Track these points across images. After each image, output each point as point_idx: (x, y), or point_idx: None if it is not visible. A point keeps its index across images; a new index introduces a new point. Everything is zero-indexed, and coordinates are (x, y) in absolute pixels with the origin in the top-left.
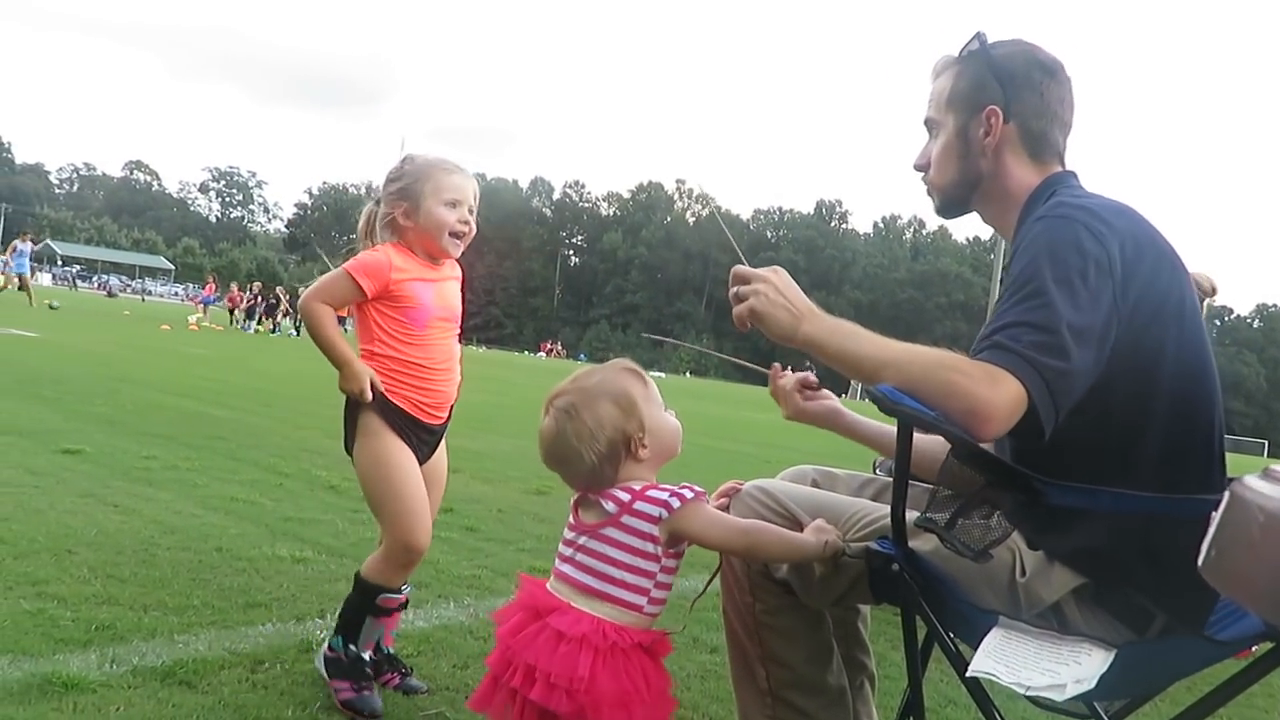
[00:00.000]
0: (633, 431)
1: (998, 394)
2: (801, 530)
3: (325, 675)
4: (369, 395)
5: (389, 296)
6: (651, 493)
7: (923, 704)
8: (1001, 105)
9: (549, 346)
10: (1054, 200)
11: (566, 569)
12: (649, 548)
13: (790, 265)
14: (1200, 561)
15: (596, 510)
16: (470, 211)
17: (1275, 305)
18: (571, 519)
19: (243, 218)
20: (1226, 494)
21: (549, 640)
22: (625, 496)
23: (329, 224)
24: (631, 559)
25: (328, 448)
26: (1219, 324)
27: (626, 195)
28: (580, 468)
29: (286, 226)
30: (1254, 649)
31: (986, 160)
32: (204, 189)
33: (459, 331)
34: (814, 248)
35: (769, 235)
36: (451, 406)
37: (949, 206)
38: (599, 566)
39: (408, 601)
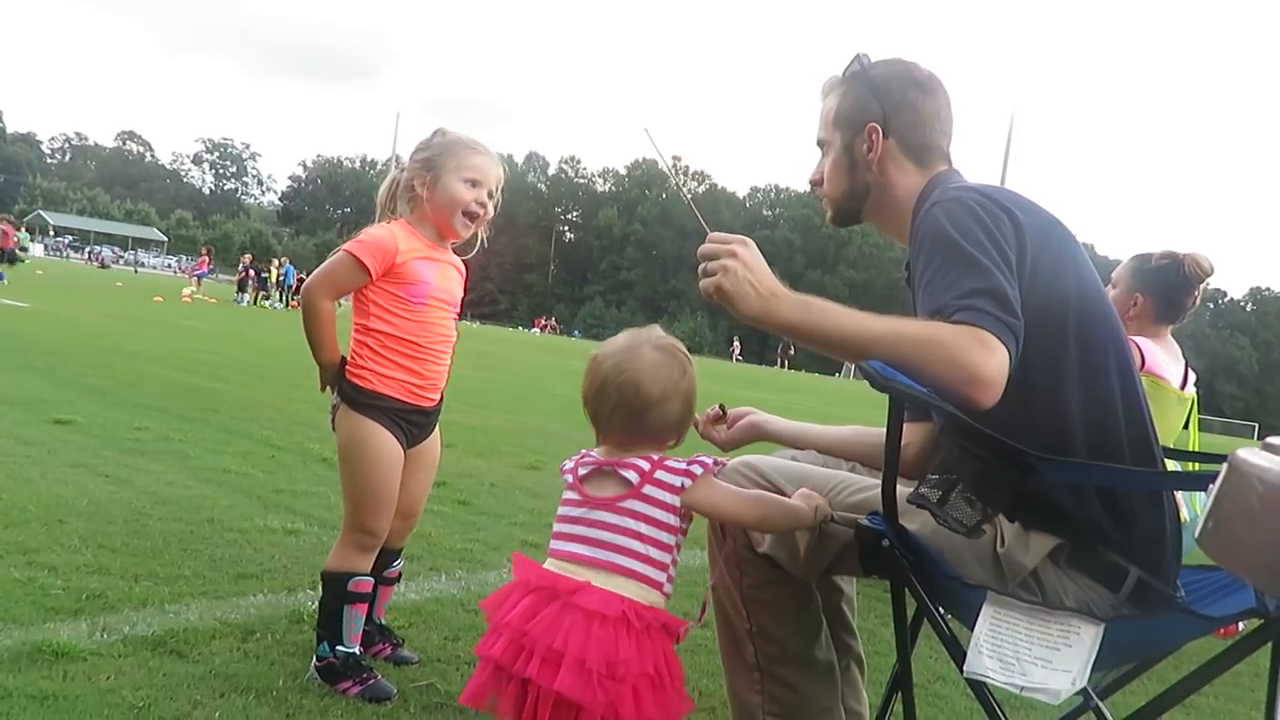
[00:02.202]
0: (693, 404)
1: (993, 360)
2: None
3: (329, 685)
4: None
5: (391, 274)
6: (670, 462)
7: (911, 679)
8: (881, 122)
9: (543, 323)
10: (940, 190)
11: (577, 548)
12: (671, 519)
13: (786, 243)
14: (1197, 533)
15: (615, 482)
16: (490, 195)
17: (1269, 289)
18: (575, 495)
19: (236, 190)
20: (1224, 465)
21: (579, 622)
22: (646, 466)
23: (323, 197)
24: (655, 532)
25: (320, 420)
26: (1211, 307)
27: (622, 172)
28: (657, 414)
29: (280, 199)
30: (1240, 626)
31: (871, 174)
32: (197, 160)
33: (456, 314)
34: (810, 226)
35: (765, 213)
36: (443, 391)
37: (842, 217)
38: (621, 541)
39: (400, 575)
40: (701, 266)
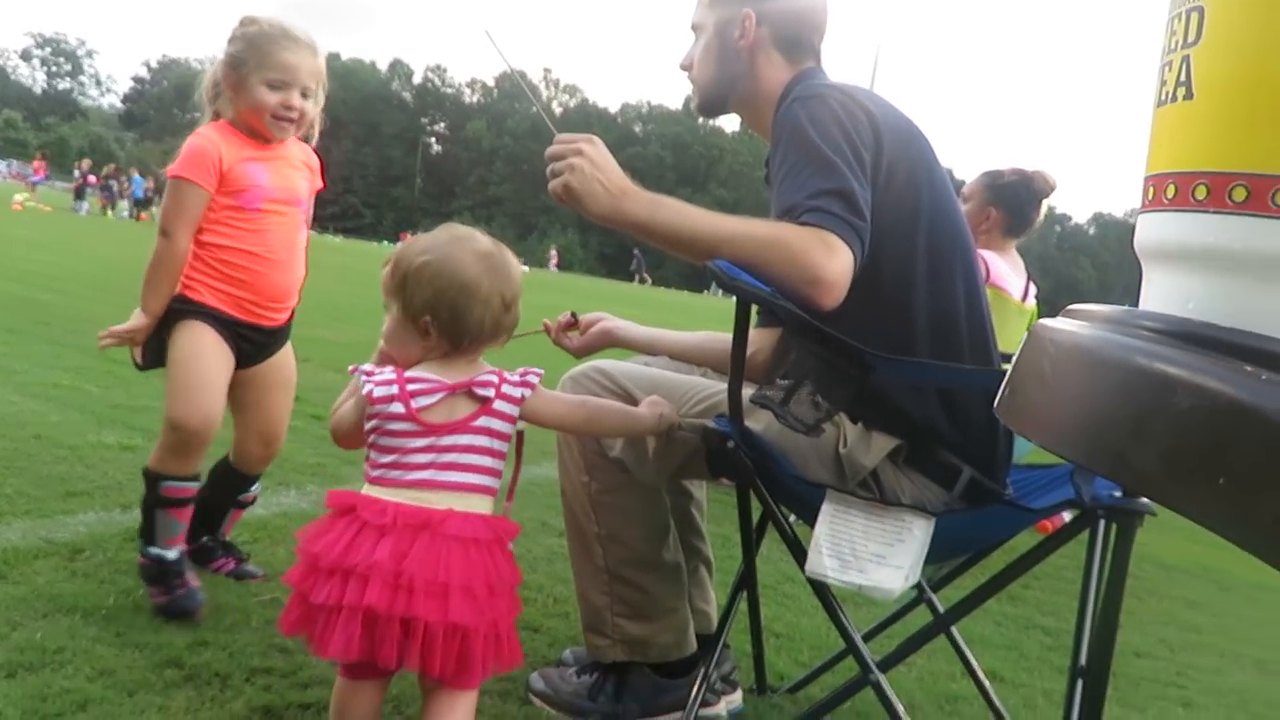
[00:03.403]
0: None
1: (836, 261)
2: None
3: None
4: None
5: (220, 183)
6: (510, 375)
7: (755, 578)
8: (756, 10)
9: (409, 237)
10: (802, 85)
11: (430, 474)
12: (509, 430)
13: (657, 161)
14: (996, 402)
15: (466, 401)
16: (304, 94)
17: (1109, 214)
18: (413, 425)
19: (72, 90)
20: (1026, 335)
21: (456, 550)
22: (496, 379)
23: (170, 100)
24: (500, 445)
25: None
26: (1058, 230)
27: (491, 83)
28: (480, 315)
29: (123, 101)
30: (1066, 516)
31: (741, 62)
32: (26, 56)
33: (305, 220)
34: (681, 144)
35: (636, 130)
36: (294, 308)
37: (708, 105)
38: (475, 460)
39: (255, 500)
40: (549, 167)
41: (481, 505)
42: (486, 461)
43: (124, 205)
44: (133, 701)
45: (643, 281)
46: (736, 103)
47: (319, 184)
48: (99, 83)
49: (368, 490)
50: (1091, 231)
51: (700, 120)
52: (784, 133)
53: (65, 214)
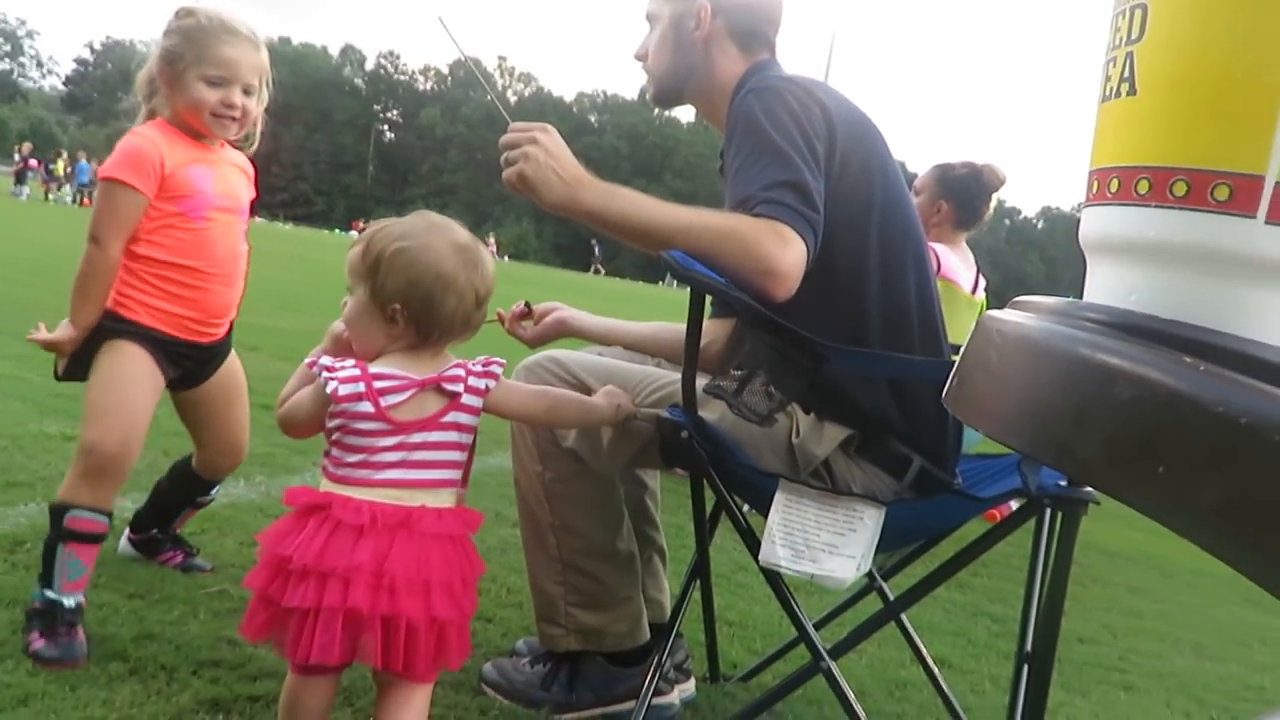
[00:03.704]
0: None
1: (789, 253)
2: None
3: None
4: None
5: (161, 189)
6: (474, 366)
7: (709, 567)
8: (711, 2)
9: (362, 226)
10: (757, 77)
11: (401, 473)
12: (474, 422)
13: (613, 152)
14: (944, 392)
15: (435, 396)
16: (246, 91)
17: (1057, 208)
18: (382, 424)
19: (12, 72)
20: (974, 326)
21: (434, 547)
22: (463, 373)
23: (115, 83)
24: (467, 438)
25: None
26: (1007, 224)
27: (445, 70)
28: (454, 308)
29: (65, 84)
30: (1013, 505)
31: (696, 53)
32: None
33: (245, 223)
34: (637, 134)
35: (592, 120)
36: (232, 321)
37: (663, 96)
38: (445, 456)
39: (212, 501)
40: (503, 156)
41: (450, 498)
42: (454, 455)
43: (67, 190)
44: (75, 696)
45: (596, 272)
46: (691, 94)
47: (253, 193)
48: (40, 64)
49: (332, 489)
50: (1040, 225)
51: (656, 111)
52: (738, 124)
53: (5, 199)
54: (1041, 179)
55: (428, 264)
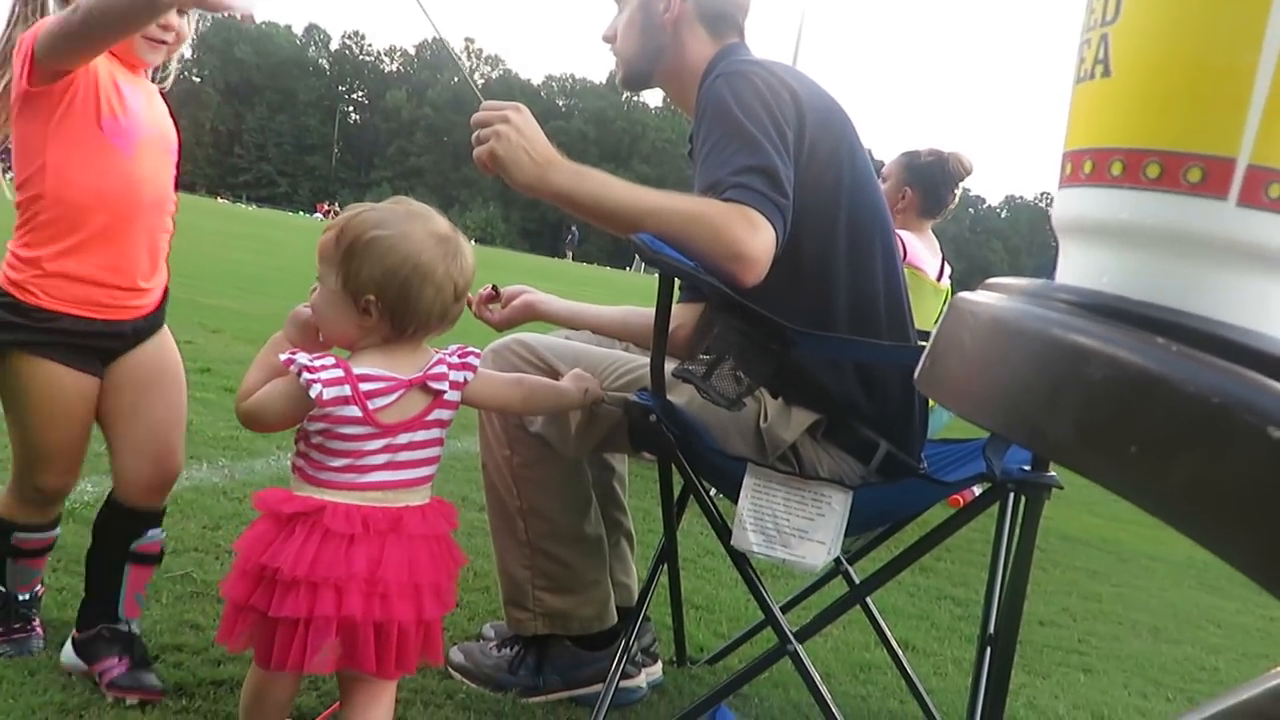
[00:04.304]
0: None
1: (758, 238)
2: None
3: None
4: None
5: (76, 97)
6: (452, 359)
7: (676, 550)
8: None
9: (326, 208)
10: (726, 61)
11: (385, 475)
12: (453, 415)
13: (580, 136)
14: (916, 373)
15: (419, 395)
16: (179, 13)
17: (1021, 197)
18: (369, 428)
19: None
20: (946, 308)
21: (421, 549)
22: (446, 370)
23: None
24: (444, 432)
25: None
26: (972, 213)
27: (411, 52)
28: (431, 301)
29: None
30: (976, 490)
31: (666, 35)
32: None
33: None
34: (605, 119)
35: (560, 104)
36: (165, 289)
37: (632, 79)
38: (428, 454)
39: (161, 552)
40: (475, 134)
41: (428, 493)
42: (434, 452)
43: None
44: (34, 680)
45: (565, 256)
46: (660, 77)
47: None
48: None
49: (314, 493)
50: (1004, 215)
51: (624, 96)
52: (708, 109)
53: None
54: (1006, 169)
55: (406, 254)
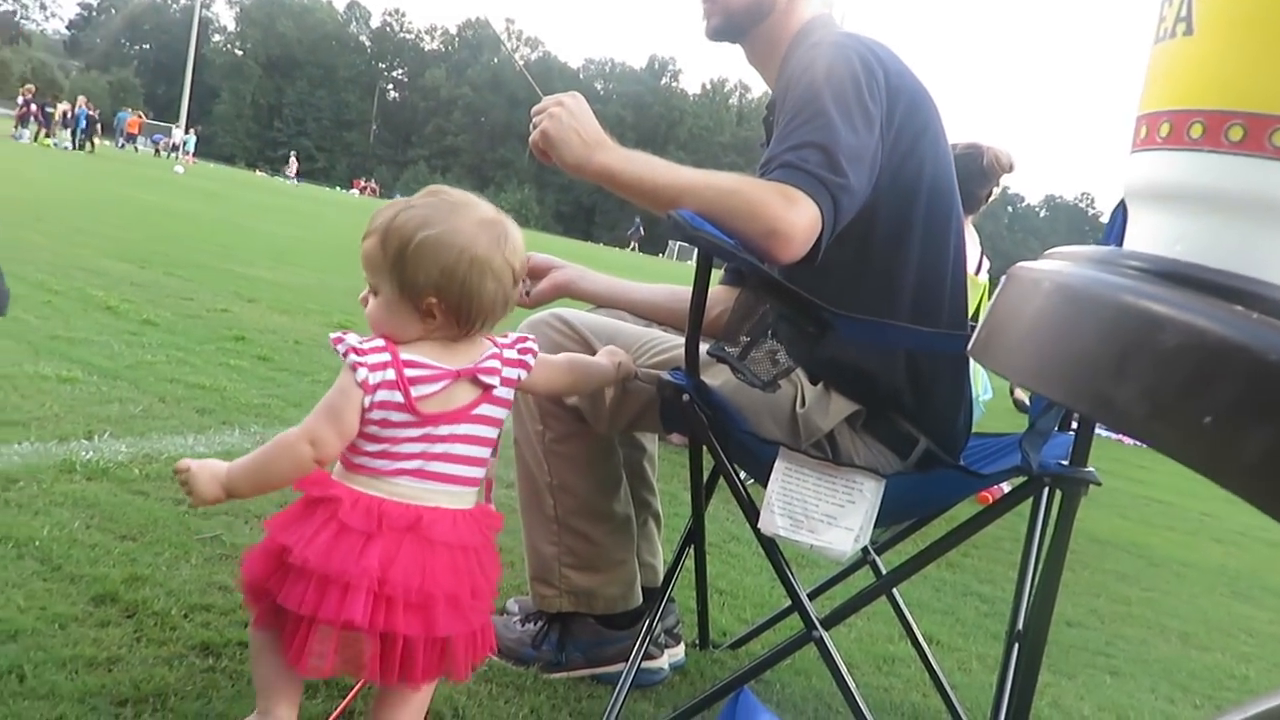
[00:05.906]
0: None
1: (796, 214)
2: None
3: None
4: None
5: None
6: (508, 354)
7: (704, 532)
8: None
9: (363, 184)
10: (823, 31)
11: (417, 465)
12: (505, 414)
13: (617, 120)
14: (970, 344)
15: (467, 387)
16: None
17: (1061, 197)
18: (409, 415)
19: (15, 13)
20: (1004, 278)
21: (443, 557)
22: (498, 364)
23: (118, 30)
24: (495, 432)
25: (106, 268)
26: (1010, 211)
27: (453, 31)
28: (494, 292)
29: (68, 28)
30: (1005, 487)
31: None
32: None
33: None
34: (642, 104)
35: (598, 87)
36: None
37: (726, 29)
38: (467, 451)
39: None
40: (533, 121)
41: (470, 499)
42: (480, 452)
43: (65, 135)
44: (65, 634)
45: (633, 249)
46: (756, 34)
47: None
48: (43, 6)
49: (343, 478)
50: (1043, 214)
51: (662, 81)
52: (799, 77)
53: (7, 141)
54: (1048, 168)
55: (460, 249)
